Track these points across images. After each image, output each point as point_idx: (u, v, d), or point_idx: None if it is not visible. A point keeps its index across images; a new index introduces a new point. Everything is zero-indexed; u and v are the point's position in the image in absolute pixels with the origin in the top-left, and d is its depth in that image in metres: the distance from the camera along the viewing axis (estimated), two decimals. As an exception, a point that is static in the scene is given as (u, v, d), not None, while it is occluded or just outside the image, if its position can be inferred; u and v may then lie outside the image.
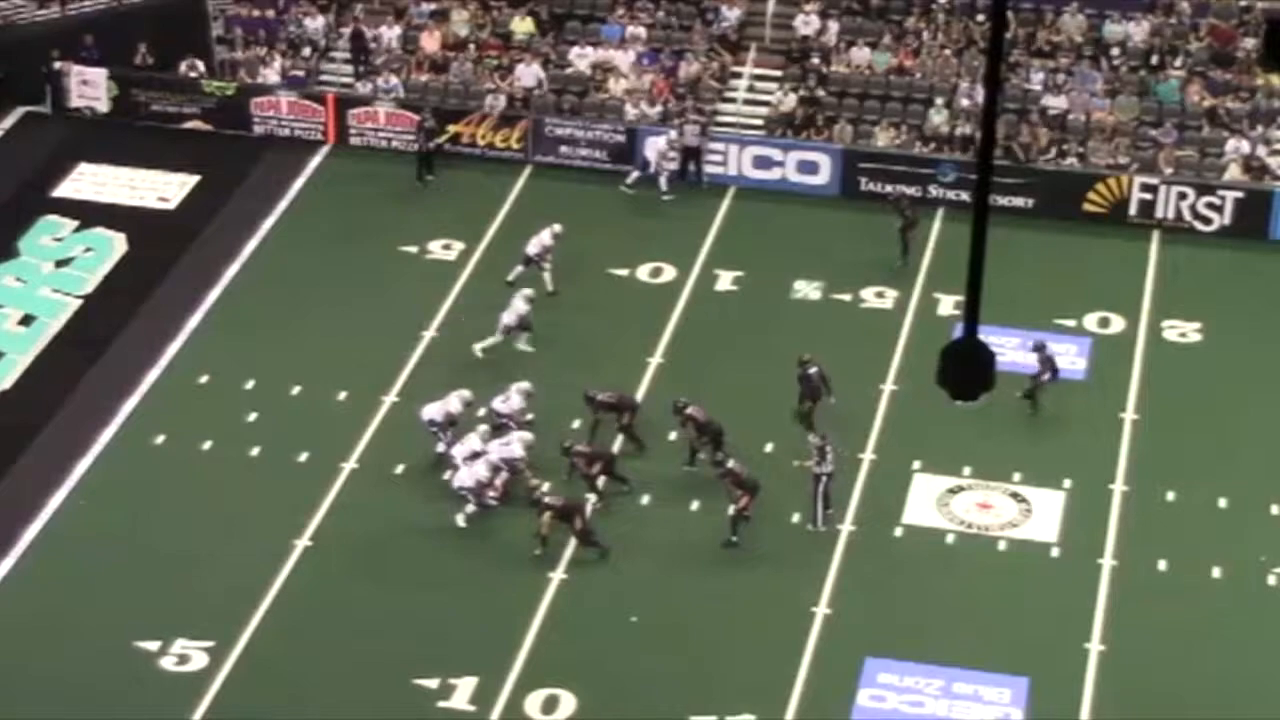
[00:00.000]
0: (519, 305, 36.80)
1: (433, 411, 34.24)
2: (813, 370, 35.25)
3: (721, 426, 33.95)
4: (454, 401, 34.35)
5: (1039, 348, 35.72)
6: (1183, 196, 41.79)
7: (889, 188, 42.36)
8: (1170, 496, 34.23)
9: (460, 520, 32.83)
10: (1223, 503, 34.01)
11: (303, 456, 34.66)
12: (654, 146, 42.82)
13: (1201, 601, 32.06)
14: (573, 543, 32.65)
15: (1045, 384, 35.69)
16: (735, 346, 37.50)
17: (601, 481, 33.72)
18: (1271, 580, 32.41)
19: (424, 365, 36.84)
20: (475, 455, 33.39)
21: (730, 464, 32.80)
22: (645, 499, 33.91)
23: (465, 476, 32.94)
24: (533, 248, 38.89)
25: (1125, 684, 30.45)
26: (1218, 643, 31.26)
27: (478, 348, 36.58)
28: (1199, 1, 45.14)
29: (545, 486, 32.74)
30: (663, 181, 42.60)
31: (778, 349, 36.81)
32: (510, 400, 34.64)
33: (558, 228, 39.22)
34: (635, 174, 43.03)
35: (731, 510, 32.68)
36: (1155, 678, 30.61)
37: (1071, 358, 37.48)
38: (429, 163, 43.37)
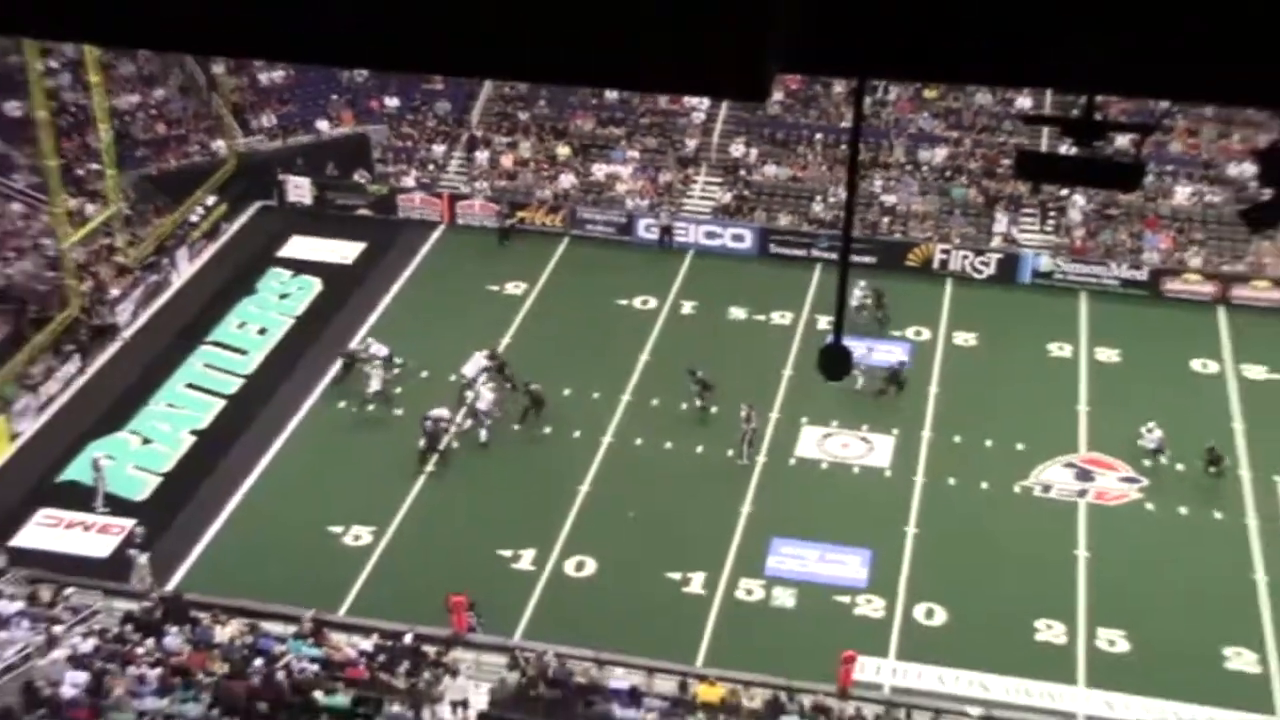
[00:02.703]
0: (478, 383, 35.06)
1: (470, 369, 34.72)
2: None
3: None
4: (478, 359, 34.92)
5: (1152, 433, 32.74)
6: (965, 257, 41.84)
7: (793, 251, 42.26)
8: (957, 439, 34.29)
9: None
10: (988, 443, 34.08)
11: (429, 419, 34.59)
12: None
13: (974, 503, 32.17)
14: (596, 463, 32.74)
15: (1220, 469, 32.21)
16: (693, 347, 37.49)
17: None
18: (1016, 489, 32.56)
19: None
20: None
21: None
22: (638, 440, 33.91)
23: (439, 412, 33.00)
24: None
25: (929, 552, 30.59)
26: (983, 528, 31.39)
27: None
28: (976, 138, 45.19)
29: (443, 411, 32.93)
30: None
31: (720, 349, 36.95)
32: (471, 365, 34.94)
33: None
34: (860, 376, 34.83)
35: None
36: (946, 549, 30.74)
37: (899, 355, 37.59)
38: (506, 234, 43.32)
